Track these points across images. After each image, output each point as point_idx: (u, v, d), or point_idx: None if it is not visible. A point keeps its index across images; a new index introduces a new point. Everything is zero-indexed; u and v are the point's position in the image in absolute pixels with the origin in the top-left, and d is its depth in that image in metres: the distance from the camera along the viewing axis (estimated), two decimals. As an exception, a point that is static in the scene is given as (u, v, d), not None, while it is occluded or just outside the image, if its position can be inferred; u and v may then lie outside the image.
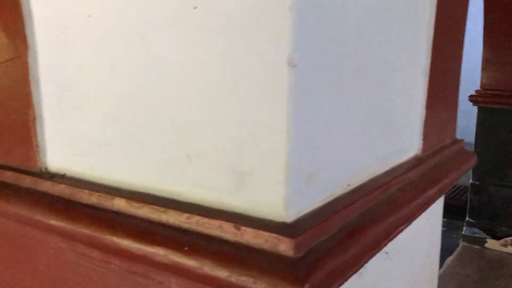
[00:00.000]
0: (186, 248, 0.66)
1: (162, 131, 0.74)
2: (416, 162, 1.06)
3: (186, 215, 0.70)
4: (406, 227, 0.88)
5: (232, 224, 0.65)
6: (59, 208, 0.82)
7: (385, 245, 0.80)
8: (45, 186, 0.89)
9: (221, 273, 0.62)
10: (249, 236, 0.64)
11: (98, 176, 0.84)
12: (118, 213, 0.77)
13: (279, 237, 0.61)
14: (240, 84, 0.64)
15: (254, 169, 0.66)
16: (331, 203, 0.73)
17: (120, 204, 0.77)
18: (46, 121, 0.90)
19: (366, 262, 0.73)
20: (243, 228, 0.64)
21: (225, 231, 0.65)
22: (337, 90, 0.73)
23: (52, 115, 0.89)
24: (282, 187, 0.63)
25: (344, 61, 0.74)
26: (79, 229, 0.78)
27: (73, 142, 0.87)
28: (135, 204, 0.75)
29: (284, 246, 0.61)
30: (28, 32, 0.88)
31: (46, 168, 0.92)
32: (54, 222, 0.82)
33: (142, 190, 0.78)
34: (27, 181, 0.91)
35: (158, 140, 0.75)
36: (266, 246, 0.62)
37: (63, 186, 0.85)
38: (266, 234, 0.62)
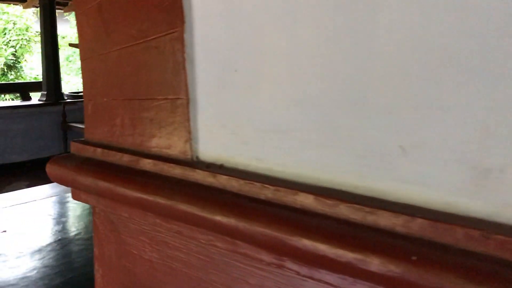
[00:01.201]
0: (414, 258, 0.55)
1: (367, 117, 0.62)
2: None
3: (403, 217, 0.58)
4: None
5: (478, 232, 0.53)
6: (226, 202, 0.73)
7: None
8: (199, 176, 0.79)
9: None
10: (498, 247, 0.52)
11: (269, 168, 0.74)
12: (302, 211, 0.67)
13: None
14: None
15: (506, 166, 0.53)
16: None
17: (306, 200, 0.66)
18: (201, 105, 0.81)
19: None
20: (494, 236, 0.52)
21: (469, 239, 0.53)
22: None
23: (209, 99, 0.80)
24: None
25: None
26: (253, 227, 0.68)
27: (236, 129, 0.77)
28: (328, 202, 0.64)
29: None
30: (185, 4, 0.79)
31: (197, 157, 0.83)
32: (220, 218, 0.72)
33: (329, 185, 0.67)
34: (176, 171, 0.83)
35: (360, 128, 0.63)
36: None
37: (225, 177, 0.76)
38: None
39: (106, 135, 0.97)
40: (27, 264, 2.94)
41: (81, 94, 6.98)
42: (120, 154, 0.92)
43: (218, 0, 0.76)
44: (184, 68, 0.80)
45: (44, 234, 3.46)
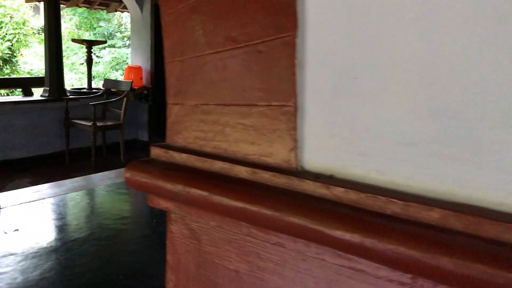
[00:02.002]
0: None
1: (520, 132, 0.60)
2: None
3: None
4: None
5: None
6: (347, 216, 0.70)
7: None
8: (308, 187, 0.76)
9: None
10: None
11: (392, 181, 0.71)
12: (439, 229, 0.64)
13: None
14: None
15: None
16: None
17: (442, 217, 0.64)
18: (309, 112, 0.78)
19: None
20: None
21: None
22: None
23: (320, 106, 0.77)
24: None
25: None
26: (382, 244, 0.66)
27: (351, 138, 0.74)
28: (471, 219, 0.62)
29: None
30: (299, 8, 0.76)
31: (301, 167, 0.80)
32: (340, 233, 0.69)
33: (467, 201, 0.65)
34: (279, 180, 0.80)
35: (509, 143, 0.61)
36: None
37: (341, 189, 0.73)
38: None
39: (193, 140, 0.93)
40: (44, 264, 2.88)
41: (84, 90, 6.91)
42: (210, 160, 0.88)
43: (337, 3, 0.73)
44: (293, 74, 0.77)
45: (57, 234, 3.41)
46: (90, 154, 6.00)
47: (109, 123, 6.15)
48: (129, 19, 12.19)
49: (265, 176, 0.81)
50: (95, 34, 13.50)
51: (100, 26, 13.28)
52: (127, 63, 12.13)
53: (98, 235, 3.36)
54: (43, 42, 6.39)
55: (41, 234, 3.34)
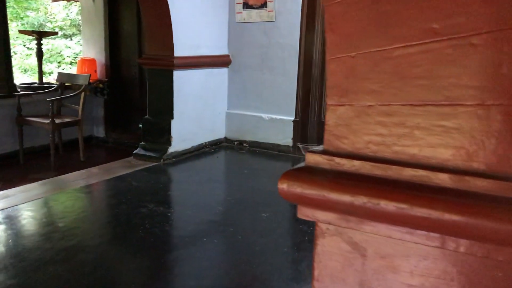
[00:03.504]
0: None
1: None
2: None
3: None
4: None
5: None
6: None
7: None
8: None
9: None
10: None
11: None
12: None
13: None
14: None
15: None
16: None
17: None
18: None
19: None
20: None
21: None
22: None
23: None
24: None
25: None
26: None
27: None
28: None
29: None
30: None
31: (519, 172, 0.74)
32: None
33: None
34: (494, 187, 0.73)
35: None
36: None
37: None
38: None
39: (365, 145, 0.84)
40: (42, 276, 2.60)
41: (35, 85, 6.39)
42: (396, 167, 0.79)
43: None
44: (517, 70, 0.70)
45: (46, 242, 3.07)
46: (46, 153, 5.59)
47: (67, 119, 5.75)
48: (59, 9, 11.43)
49: (478, 184, 0.73)
50: (23, 24, 12.52)
51: (28, 16, 12.34)
52: (61, 55, 11.40)
53: (90, 242, 3.09)
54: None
55: (27, 243, 3.00)
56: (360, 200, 0.80)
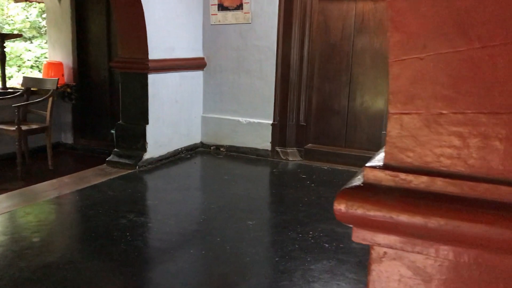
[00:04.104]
0: None
1: None
2: None
3: None
4: None
5: None
6: None
7: None
8: None
9: None
10: None
11: None
12: None
13: None
14: None
15: None
16: None
17: None
18: None
19: None
20: None
21: None
22: None
23: None
24: None
25: None
26: None
27: None
28: None
29: None
30: None
31: None
32: None
33: None
34: None
35: None
36: None
37: None
38: None
39: (436, 159, 0.74)
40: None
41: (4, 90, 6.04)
42: (475, 184, 0.70)
43: None
44: None
45: (20, 259, 2.84)
46: (11, 161, 5.29)
47: (34, 126, 5.46)
48: (17, 10, 10.94)
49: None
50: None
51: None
52: (21, 58, 10.90)
53: (79, 263, 2.88)
54: None
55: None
56: (435, 222, 0.70)
